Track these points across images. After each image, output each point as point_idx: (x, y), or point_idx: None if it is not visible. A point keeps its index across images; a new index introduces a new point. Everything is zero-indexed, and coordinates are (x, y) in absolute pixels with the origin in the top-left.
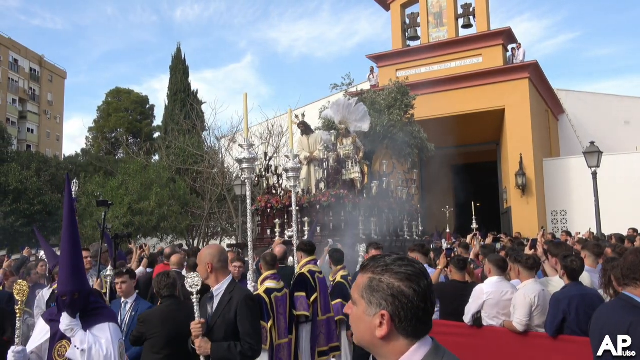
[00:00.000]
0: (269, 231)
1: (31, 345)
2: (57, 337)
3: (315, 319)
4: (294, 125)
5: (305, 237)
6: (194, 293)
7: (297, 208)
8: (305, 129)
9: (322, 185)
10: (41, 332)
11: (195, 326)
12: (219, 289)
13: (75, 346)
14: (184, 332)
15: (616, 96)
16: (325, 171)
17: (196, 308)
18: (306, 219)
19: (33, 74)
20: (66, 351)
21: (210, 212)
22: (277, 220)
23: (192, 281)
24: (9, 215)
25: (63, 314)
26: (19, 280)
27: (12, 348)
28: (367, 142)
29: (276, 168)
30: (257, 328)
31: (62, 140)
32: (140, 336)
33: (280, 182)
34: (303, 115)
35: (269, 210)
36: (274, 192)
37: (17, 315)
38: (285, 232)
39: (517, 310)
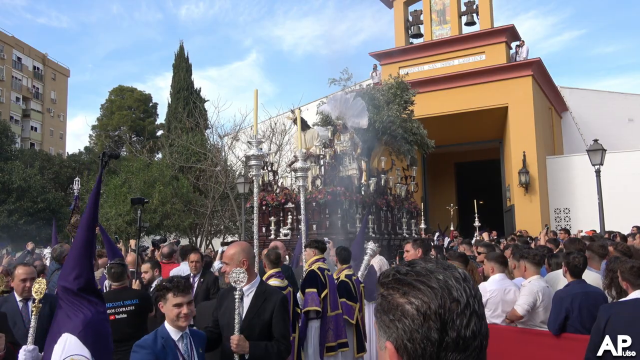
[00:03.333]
0: (264, 229)
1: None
2: None
3: (325, 315)
4: (289, 120)
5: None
6: (238, 289)
7: (293, 205)
8: (302, 125)
9: (318, 182)
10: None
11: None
12: (250, 288)
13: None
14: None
15: (620, 94)
16: (322, 168)
17: (237, 304)
18: (302, 216)
19: (36, 72)
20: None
21: (213, 210)
22: (272, 218)
23: (237, 276)
24: (12, 213)
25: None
26: (39, 279)
27: (24, 347)
28: (365, 138)
29: (272, 164)
30: (289, 330)
31: (65, 138)
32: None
33: (277, 178)
34: (299, 111)
35: (264, 207)
36: (270, 189)
37: (33, 313)
38: (281, 229)
39: (522, 297)
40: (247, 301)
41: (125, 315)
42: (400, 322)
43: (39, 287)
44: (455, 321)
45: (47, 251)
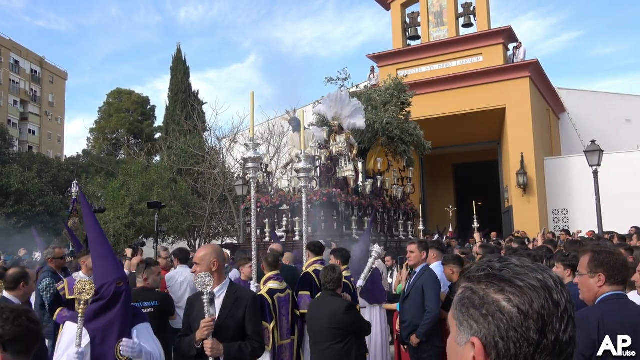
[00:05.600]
0: (258, 231)
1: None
2: (105, 334)
3: None
4: (285, 121)
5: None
6: (205, 293)
7: (288, 207)
8: (297, 126)
9: (314, 184)
10: (76, 340)
11: (208, 323)
12: (220, 290)
13: (130, 345)
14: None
15: (617, 94)
16: (317, 169)
17: (207, 308)
18: (297, 218)
19: (34, 75)
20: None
21: (212, 212)
22: (267, 220)
23: (203, 280)
24: (10, 217)
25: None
26: (83, 280)
27: (75, 349)
28: (361, 139)
29: (266, 166)
30: (262, 327)
31: (63, 141)
32: None
33: (271, 180)
34: (294, 112)
35: (258, 209)
36: (264, 190)
37: (80, 315)
38: (276, 231)
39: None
40: (218, 303)
41: None
42: (495, 319)
43: (82, 286)
44: (554, 324)
45: (37, 255)
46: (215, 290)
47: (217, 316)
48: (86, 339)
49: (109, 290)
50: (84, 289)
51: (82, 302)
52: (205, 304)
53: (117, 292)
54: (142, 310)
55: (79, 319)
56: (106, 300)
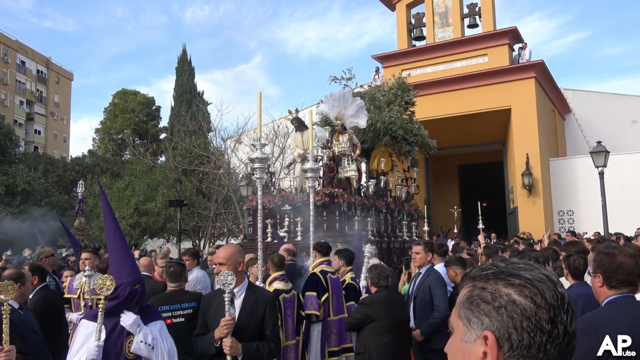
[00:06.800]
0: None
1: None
2: (116, 332)
3: (326, 318)
4: (287, 120)
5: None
6: (227, 291)
7: (290, 207)
8: (299, 125)
9: (316, 184)
10: (95, 334)
11: (228, 322)
12: (240, 290)
13: (142, 341)
14: (402, 319)
15: (623, 95)
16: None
17: (227, 306)
18: (299, 218)
19: (40, 76)
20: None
21: (217, 212)
22: (269, 221)
23: (226, 279)
24: (16, 217)
25: (125, 311)
26: (102, 275)
27: (94, 343)
28: (364, 139)
29: (268, 166)
30: (279, 329)
31: (69, 141)
32: (365, 318)
33: (273, 180)
34: (297, 111)
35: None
36: (266, 190)
37: (100, 311)
38: (277, 232)
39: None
40: (238, 302)
41: (182, 320)
42: (508, 310)
43: (102, 282)
44: (562, 315)
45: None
46: (235, 290)
47: (236, 315)
48: (102, 334)
49: (125, 291)
50: (104, 284)
51: (102, 298)
52: (226, 303)
53: (132, 293)
54: (181, 312)
55: (99, 313)
56: (120, 300)
